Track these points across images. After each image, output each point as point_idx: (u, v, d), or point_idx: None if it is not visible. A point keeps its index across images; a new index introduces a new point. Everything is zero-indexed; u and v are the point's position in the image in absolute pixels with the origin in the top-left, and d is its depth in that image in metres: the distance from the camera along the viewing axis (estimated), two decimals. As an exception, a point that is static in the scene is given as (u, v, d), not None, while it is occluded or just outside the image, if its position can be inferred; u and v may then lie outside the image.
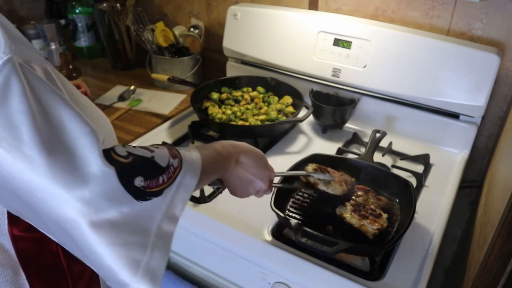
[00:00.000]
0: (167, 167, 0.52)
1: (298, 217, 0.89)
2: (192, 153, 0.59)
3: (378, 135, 1.08)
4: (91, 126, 0.48)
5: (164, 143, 1.05)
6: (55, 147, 0.45)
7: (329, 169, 0.89)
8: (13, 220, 0.55)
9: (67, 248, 0.51)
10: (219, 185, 0.74)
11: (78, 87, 1.05)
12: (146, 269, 0.48)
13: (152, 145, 0.56)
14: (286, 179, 0.93)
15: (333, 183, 0.85)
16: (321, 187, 0.85)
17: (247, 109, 1.23)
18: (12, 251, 0.58)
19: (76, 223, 0.45)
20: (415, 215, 0.87)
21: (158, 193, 0.51)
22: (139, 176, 0.49)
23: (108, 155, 0.47)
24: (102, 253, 0.46)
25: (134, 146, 0.53)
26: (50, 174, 0.43)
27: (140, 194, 0.49)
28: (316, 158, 0.99)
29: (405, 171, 1.05)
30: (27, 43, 0.51)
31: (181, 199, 0.53)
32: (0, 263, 0.57)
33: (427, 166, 1.09)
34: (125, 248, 0.47)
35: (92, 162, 0.46)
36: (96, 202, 0.45)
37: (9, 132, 0.43)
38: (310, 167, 0.88)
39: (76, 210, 0.44)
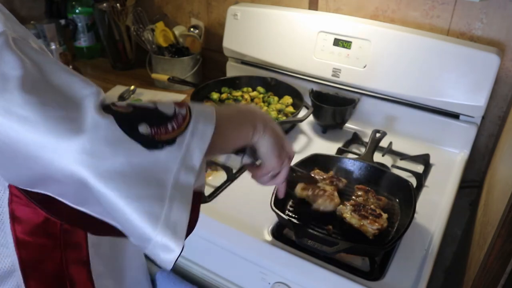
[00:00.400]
0: (174, 115, 0.49)
1: (298, 217, 0.89)
2: (201, 105, 0.55)
3: (378, 135, 1.08)
4: (95, 85, 0.47)
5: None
6: (51, 104, 0.44)
7: (319, 184, 0.90)
8: (18, 221, 0.55)
9: (87, 210, 0.49)
10: (250, 158, 0.68)
11: None
12: (166, 222, 0.46)
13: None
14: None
15: (323, 199, 0.86)
16: (314, 205, 0.87)
17: (247, 109, 1.23)
18: (13, 250, 0.57)
19: (83, 176, 0.43)
20: (415, 215, 0.87)
21: (170, 142, 0.47)
22: (143, 122, 0.46)
23: (107, 106, 0.46)
24: (118, 206, 0.44)
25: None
26: (46, 129, 0.42)
27: (149, 142, 0.46)
28: (316, 158, 1.00)
29: (405, 171, 1.05)
30: (25, 29, 0.51)
31: (198, 147, 0.49)
32: None
33: (427, 166, 1.09)
34: (142, 201, 0.45)
35: (89, 112, 0.44)
36: (98, 151, 0.43)
37: (1, 95, 0.42)
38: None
39: (80, 162, 0.42)
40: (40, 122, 0.42)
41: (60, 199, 0.48)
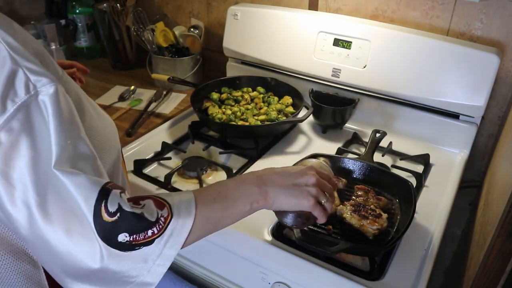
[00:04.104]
0: (156, 220, 0.54)
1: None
2: (182, 194, 0.60)
3: (378, 135, 1.08)
4: (98, 189, 0.52)
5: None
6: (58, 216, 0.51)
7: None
8: None
9: None
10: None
11: (71, 66, 1.05)
12: None
13: (141, 197, 0.57)
14: None
15: None
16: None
17: (247, 109, 1.23)
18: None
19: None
20: (415, 215, 0.87)
21: (148, 243, 0.53)
22: (123, 232, 0.52)
23: (98, 210, 0.51)
24: None
25: (128, 199, 0.55)
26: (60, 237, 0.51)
27: (126, 247, 0.52)
28: (316, 158, 0.99)
29: (405, 171, 1.05)
30: (49, 59, 0.55)
31: (175, 243, 0.55)
32: (21, 259, 0.59)
33: (427, 166, 1.09)
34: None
35: (84, 224, 0.51)
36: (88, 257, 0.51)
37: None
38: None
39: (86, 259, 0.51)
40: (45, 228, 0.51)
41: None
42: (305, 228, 0.82)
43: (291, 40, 1.28)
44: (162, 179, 1.00)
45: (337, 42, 1.21)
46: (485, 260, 0.67)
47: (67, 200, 0.51)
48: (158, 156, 1.12)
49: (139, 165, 1.06)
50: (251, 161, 1.10)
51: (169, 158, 1.11)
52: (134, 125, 1.25)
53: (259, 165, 1.09)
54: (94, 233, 0.50)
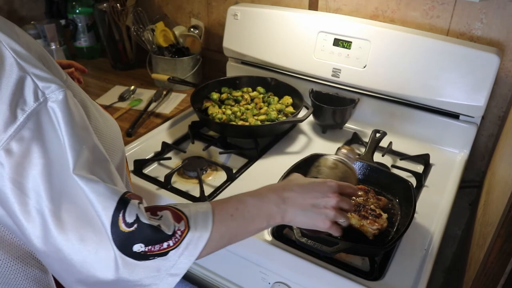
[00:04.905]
0: (172, 234, 0.54)
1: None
2: (199, 206, 0.60)
3: (378, 135, 1.08)
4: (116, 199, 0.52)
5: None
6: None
7: None
8: None
9: None
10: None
11: (70, 66, 1.04)
12: None
13: (158, 208, 0.57)
14: None
15: None
16: None
17: (247, 109, 1.23)
18: None
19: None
20: (415, 215, 0.87)
21: (163, 255, 0.53)
22: (139, 243, 0.52)
23: (116, 219, 0.51)
24: None
25: (146, 208, 0.55)
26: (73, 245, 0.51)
27: (141, 257, 0.52)
28: (316, 158, 0.99)
29: (405, 171, 1.05)
30: (52, 63, 0.55)
31: (189, 255, 0.55)
32: (29, 264, 0.60)
33: (427, 166, 1.09)
34: None
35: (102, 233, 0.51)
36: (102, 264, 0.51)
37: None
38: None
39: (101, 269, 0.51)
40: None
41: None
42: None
43: (291, 40, 1.28)
44: (162, 179, 1.00)
45: (337, 42, 1.21)
46: (485, 260, 0.67)
47: (83, 207, 0.50)
48: (158, 156, 1.12)
49: (139, 165, 1.06)
50: (251, 161, 1.10)
51: (169, 158, 1.11)
52: (134, 125, 1.25)
53: (259, 165, 1.09)
54: (110, 241, 0.50)
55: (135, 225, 0.52)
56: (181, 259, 0.54)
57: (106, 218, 0.50)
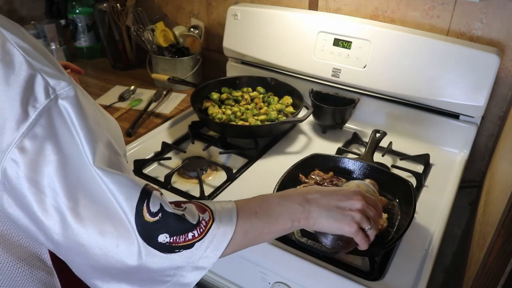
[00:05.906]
0: (197, 223, 0.54)
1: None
2: (224, 203, 0.60)
3: (378, 135, 1.08)
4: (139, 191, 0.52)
5: (184, 201, 1.03)
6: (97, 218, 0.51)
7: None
8: None
9: None
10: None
11: (65, 67, 1.04)
12: None
13: (182, 201, 0.57)
14: None
15: None
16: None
17: (247, 109, 1.23)
18: (47, 257, 0.61)
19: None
20: (415, 215, 0.87)
21: (189, 247, 0.53)
22: (164, 233, 0.51)
23: (140, 209, 0.51)
24: None
25: (170, 202, 0.55)
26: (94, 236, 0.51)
27: (167, 249, 0.52)
28: (316, 158, 1.00)
29: (405, 171, 1.05)
30: (57, 67, 0.54)
31: (215, 250, 0.54)
32: (35, 267, 0.60)
33: (427, 166, 1.09)
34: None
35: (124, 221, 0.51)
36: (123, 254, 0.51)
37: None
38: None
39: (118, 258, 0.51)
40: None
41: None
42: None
43: (291, 40, 1.28)
44: (162, 179, 1.00)
45: (337, 42, 1.21)
46: (485, 260, 0.67)
47: (103, 200, 0.50)
48: (158, 156, 1.12)
49: (139, 165, 1.06)
50: (251, 161, 1.10)
51: (169, 158, 1.11)
52: (134, 125, 1.25)
53: (259, 165, 1.09)
54: (134, 232, 0.50)
55: (160, 214, 0.51)
56: (207, 252, 0.54)
57: (129, 209, 0.50)
